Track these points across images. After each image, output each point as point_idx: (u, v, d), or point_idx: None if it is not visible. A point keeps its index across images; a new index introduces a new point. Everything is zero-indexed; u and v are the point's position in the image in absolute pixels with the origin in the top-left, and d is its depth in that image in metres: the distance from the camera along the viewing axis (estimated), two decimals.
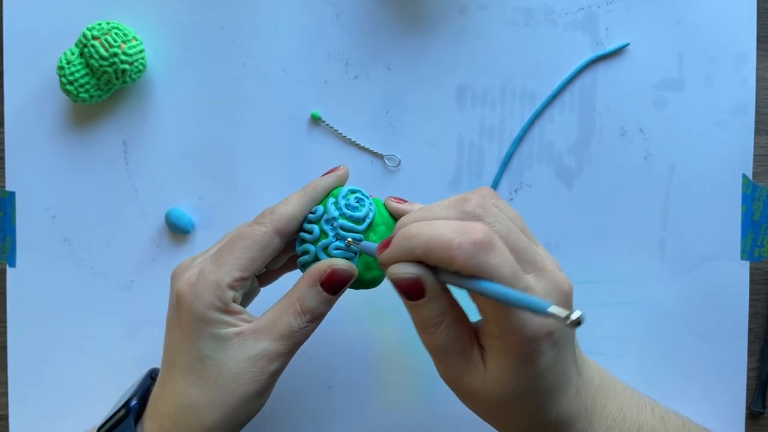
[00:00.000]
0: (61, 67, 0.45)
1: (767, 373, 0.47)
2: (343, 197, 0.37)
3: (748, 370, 0.46)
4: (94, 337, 0.47)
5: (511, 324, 0.29)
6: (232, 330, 0.34)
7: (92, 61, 0.44)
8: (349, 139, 0.47)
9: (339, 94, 0.47)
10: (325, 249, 0.36)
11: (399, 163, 0.47)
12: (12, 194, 0.47)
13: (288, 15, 0.47)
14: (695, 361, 0.46)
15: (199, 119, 0.47)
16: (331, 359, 0.47)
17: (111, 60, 0.44)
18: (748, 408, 0.46)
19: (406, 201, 0.38)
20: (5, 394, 0.47)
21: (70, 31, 0.46)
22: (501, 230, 0.30)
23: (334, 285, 0.35)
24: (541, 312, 0.26)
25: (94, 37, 0.44)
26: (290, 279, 0.40)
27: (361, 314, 0.47)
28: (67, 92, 0.45)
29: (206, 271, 0.35)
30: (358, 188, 0.37)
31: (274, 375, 0.35)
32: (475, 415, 0.34)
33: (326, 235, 0.36)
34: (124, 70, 0.44)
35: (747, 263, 0.46)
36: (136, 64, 0.45)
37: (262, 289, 0.41)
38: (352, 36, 0.47)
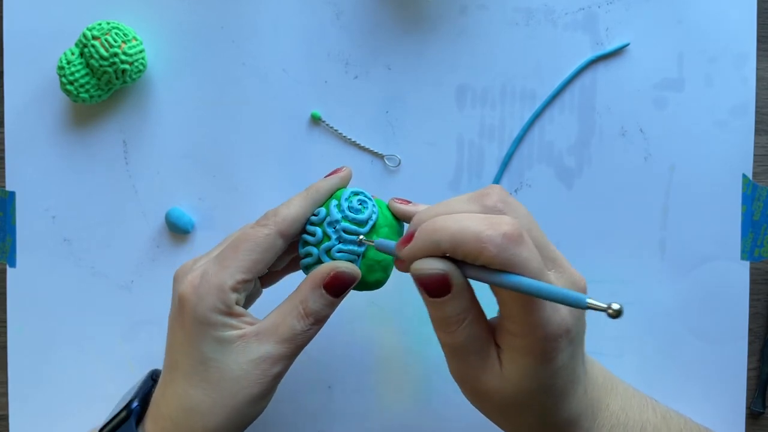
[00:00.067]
0: (61, 67, 0.44)
1: (767, 373, 0.47)
2: (346, 199, 0.36)
3: (748, 370, 0.46)
4: (94, 337, 0.47)
5: (534, 321, 0.29)
6: (235, 333, 0.34)
7: (92, 61, 0.44)
8: (349, 139, 0.47)
9: (339, 94, 0.47)
10: (328, 252, 0.36)
11: (399, 163, 0.47)
12: (12, 194, 0.47)
13: (288, 15, 0.47)
14: (695, 361, 0.46)
15: (199, 119, 0.47)
16: (331, 359, 0.47)
17: (111, 60, 0.44)
18: (748, 408, 0.46)
19: (410, 202, 0.37)
20: (5, 394, 0.47)
21: (70, 31, 0.46)
22: (524, 225, 0.30)
23: (337, 288, 0.35)
24: (579, 305, 0.26)
25: (94, 37, 0.44)
26: (291, 280, 0.40)
27: (361, 314, 0.47)
28: (67, 92, 0.45)
29: (209, 274, 0.34)
30: (361, 190, 0.37)
31: (277, 377, 0.35)
32: (476, 415, 0.34)
33: (329, 237, 0.36)
34: (124, 70, 0.44)
35: (747, 263, 0.46)
36: (136, 64, 0.45)
37: (263, 290, 0.41)
38: (352, 36, 0.47)
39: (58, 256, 0.47)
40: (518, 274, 0.28)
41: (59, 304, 0.47)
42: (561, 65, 0.47)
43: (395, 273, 0.37)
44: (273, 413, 0.46)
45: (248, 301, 0.39)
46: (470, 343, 0.31)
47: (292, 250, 0.38)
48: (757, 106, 0.46)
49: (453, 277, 0.29)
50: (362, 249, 0.36)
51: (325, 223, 0.36)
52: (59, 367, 0.47)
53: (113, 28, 0.44)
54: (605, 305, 0.25)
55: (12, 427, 0.47)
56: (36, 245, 0.47)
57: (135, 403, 0.37)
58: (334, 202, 0.37)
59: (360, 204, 0.36)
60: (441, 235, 0.29)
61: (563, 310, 0.30)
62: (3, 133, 0.48)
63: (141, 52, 0.45)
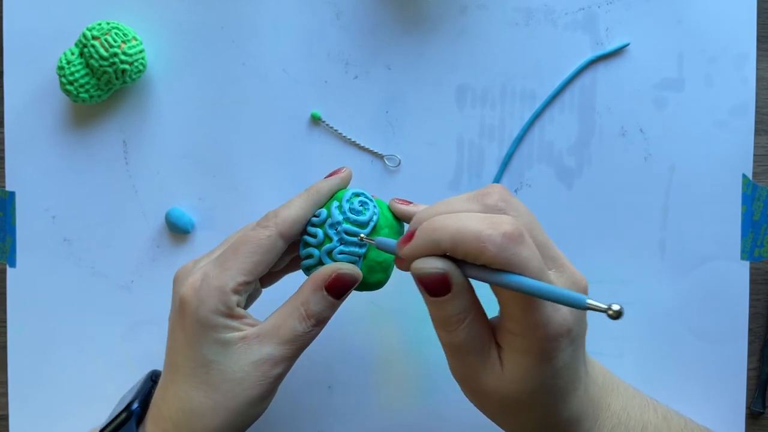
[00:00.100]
0: (61, 67, 0.44)
1: (767, 373, 0.47)
2: (347, 201, 0.36)
3: (748, 370, 0.46)
4: (94, 337, 0.47)
5: (534, 320, 0.29)
6: (236, 334, 0.34)
7: (92, 61, 0.44)
8: (349, 139, 0.47)
9: (339, 94, 0.47)
10: (329, 253, 0.36)
11: (399, 163, 0.47)
12: (12, 194, 0.47)
13: (288, 15, 0.47)
14: (695, 361, 0.46)
15: (199, 119, 0.47)
16: (331, 359, 0.47)
17: (111, 60, 0.44)
18: (748, 408, 0.46)
19: (411, 203, 0.37)
20: (5, 394, 0.47)
21: (70, 31, 0.46)
22: (524, 224, 0.30)
23: (338, 289, 0.35)
24: (579, 305, 0.25)
25: (94, 37, 0.44)
26: (290, 279, 0.40)
27: (361, 314, 0.47)
28: (67, 92, 0.45)
29: (210, 276, 0.34)
30: (361, 191, 0.37)
31: (278, 379, 0.35)
32: (476, 415, 0.34)
33: (330, 239, 0.36)
34: (124, 70, 0.44)
35: (747, 263, 0.46)
36: (136, 64, 0.45)
37: (263, 290, 0.41)
38: (352, 36, 0.47)
39: (58, 256, 0.47)
40: (518, 274, 0.28)
41: (59, 304, 0.47)
42: (561, 65, 0.47)
43: (396, 273, 0.37)
44: (273, 413, 0.46)
45: (248, 302, 0.39)
46: (471, 343, 0.31)
47: (291, 250, 0.38)
48: (757, 106, 0.46)
49: (453, 276, 0.29)
50: (363, 250, 0.36)
51: (326, 225, 0.36)
52: (59, 367, 0.47)
53: (113, 28, 0.44)
54: (605, 306, 0.25)
55: (12, 427, 0.47)
56: (36, 245, 0.47)
57: (135, 405, 0.37)
58: (335, 203, 0.37)
59: (361, 205, 0.36)
60: (441, 234, 0.29)
61: (564, 310, 0.30)
62: (3, 133, 0.48)
63: (141, 52, 0.45)
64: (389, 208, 0.37)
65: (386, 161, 0.47)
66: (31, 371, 0.47)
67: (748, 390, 0.46)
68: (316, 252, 0.36)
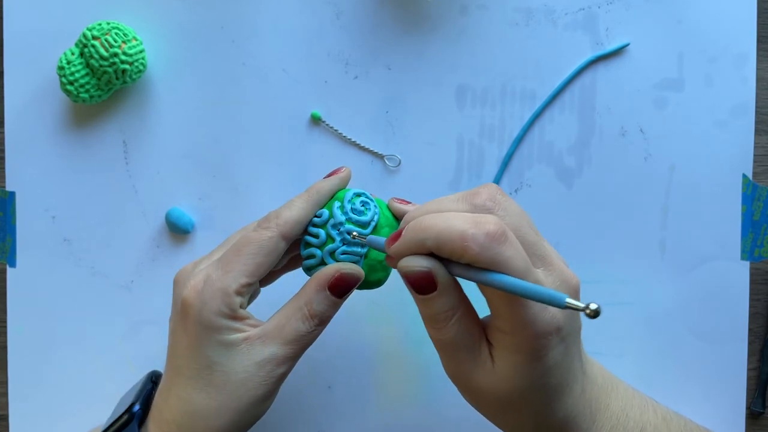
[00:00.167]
0: (61, 67, 0.44)
1: (767, 373, 0.47)
2: (349, 201, 0.36)
3: (748, 370, 0.46)
4: (94, 337, 0.47)
5: (521, 318, 0.29)
6: (239, 336, 0.34)
7: (92, 61, 0.44)
8: (349, 139, 0.47)
9: (339, 94, 0.47)
10: (332, 253, 0.36)
11: (399, 163, 0.47)
12: (12, 194, 0.47)
13: (288, 15, 0.47)
14: (695, 361, 0.46)
15: (199, 119, 0.47)
16: (331, 359, 0.47)
17: (111, 60, 0.44)
18: (748, 408, 0.47)
19: (409, 202, 0.38)
20: (5, 394, 0.47)
21: (70, 31, 0.46)
22: (512, 224, 0.30)
23: (341, 289, 0.35)
24: (558, 304, 0.26)
25: (94, 37, 0.44)
26: (289, 278, 0.40)
27: (361, 314, 0.47)
28: (67, 92, 0.45)
29: (212, 278, 0.34)
30: (362, 191, 0.37)
31: (281, 379, 0.35)
32: (477, 415, 0.34)
33: (333, 239, 0.36)
34: (124, 70, 0.44)
35: (747, 263, 0.46)
36: (136, 64, 0.45)
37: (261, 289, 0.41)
38: (352, 36, 0.47)
39: (58, 256, 0.47)
40: (502, 273, 0.28)
41: (59, 304, 0.47)
42: (561, 65, 0.47)
43: (396, 272, 0.37)
44: (273, 413, 0.46)
45: (248, 302, 0.39)
46: (460, 340, 0.31)
47: (291, 250, 0.38)
48: (757, 106, 0.46)
49: (438, 274, 0.30)
50: (365, 250, 0.36)
51: (328, 226, 0.36)
52: (59, 367, 0.47)
53: (113, 28, 0.44)
54: (583, 305, 0.25)
55: (12, 427, 0.47)
56: (36, 245, 0.47)
57: (137, 407, 0.37)
58: (336, 203, 0.37)
59: (363, 205, 0.36)
60: (427, 234, 0.29)
61: (554, 308, 0.30)
62: (3, 133, 0.48)
63: (141, 52, 0.45)
64: (389, 208, 0.38)
65: (386, 161, 0.47)
66: (31, 371, 0.47)
67: (748, 390, 0.46)
68: (318, 252, 0.36)
